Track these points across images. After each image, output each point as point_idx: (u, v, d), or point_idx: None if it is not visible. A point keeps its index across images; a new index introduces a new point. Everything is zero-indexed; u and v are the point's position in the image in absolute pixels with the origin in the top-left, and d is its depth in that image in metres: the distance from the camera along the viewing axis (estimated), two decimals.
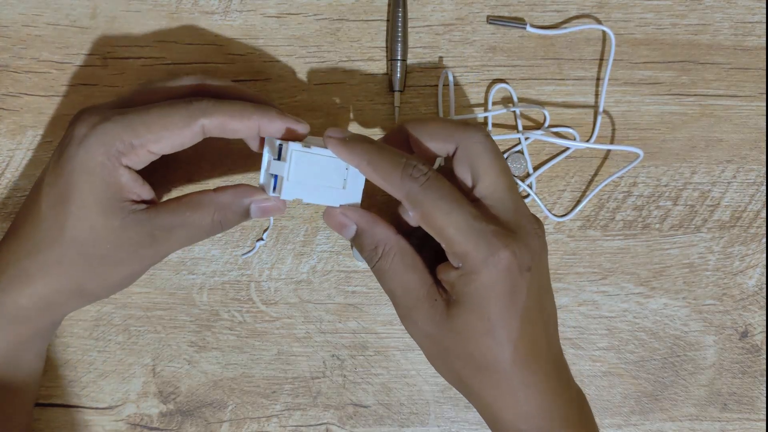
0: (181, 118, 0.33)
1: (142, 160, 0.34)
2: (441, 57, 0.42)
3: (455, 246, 0.33)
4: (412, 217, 0.35)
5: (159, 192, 0.39)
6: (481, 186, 0.34)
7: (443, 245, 0.33)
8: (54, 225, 0.34)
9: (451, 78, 0.40)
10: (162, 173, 0.41)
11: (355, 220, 0.36)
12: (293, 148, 0.33)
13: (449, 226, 0.32)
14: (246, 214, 0.36)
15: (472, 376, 0.34)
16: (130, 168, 0.34)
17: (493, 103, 0.42)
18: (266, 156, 0.35)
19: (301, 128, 0.35)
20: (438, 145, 0.35)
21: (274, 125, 0.34)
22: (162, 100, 0.35)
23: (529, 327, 0.33)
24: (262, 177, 0.35)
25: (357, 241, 0.36)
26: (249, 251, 0.42)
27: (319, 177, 0.35)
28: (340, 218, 0.36)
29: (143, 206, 0.34)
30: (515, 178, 0.41)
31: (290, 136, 0.35)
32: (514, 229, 0.33)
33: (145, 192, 0.35)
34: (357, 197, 0.36)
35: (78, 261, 0.34)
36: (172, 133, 0.33)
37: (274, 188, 0.35)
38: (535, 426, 0.34)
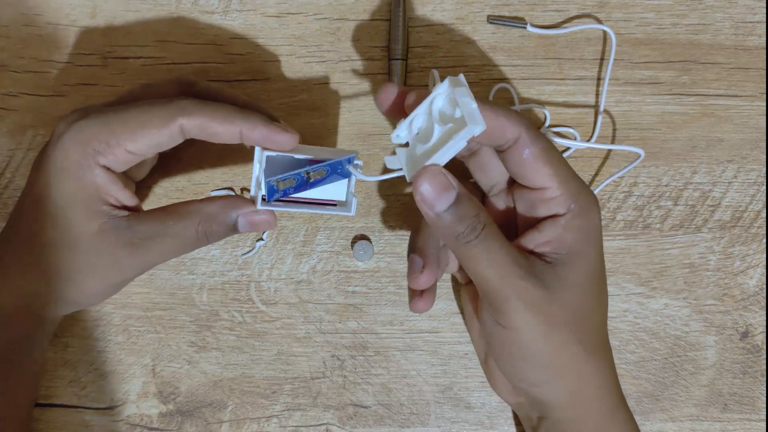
0: (159, 117, 0.32)
1: (121, 160, 0.33)
2: (441, 57, 0.42)
3: (569, 184, 0.33)
4: (527, 156, 0.32)
5: (154, 194, 0.38)
6: None
7: (552, 186, 0.32)
8: (34, 225, 0.34)
9: (437, 77, 0.39)
10: (161, 174, 0.41)
11: (458, 186, 0.31)
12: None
13: (562, 165, 0.33)
14: (234, 228, 0.34)
15: (579, 341, 0.33)
16: (108, 169, 0.33)
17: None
18: (256, 168, 0.33)
19: (288, 139, 0.33)
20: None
21: (256, 132, 0.32)
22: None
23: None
24: (252, 189, 0.34)
25: (454, 211, 0.30)
26: (249, 251, 0.42)
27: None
28: (441, 179, 0.30)
29: (124, 213, 0.33)
30: None
31: (276, 147, 0.33)
32: None
33: (126, 197, 0.34)
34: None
35: (55, 265, 0.33)
36: (150, 132, 0.32)
37: (266, 199, 0.33)
38: (617, 386, 0.36)
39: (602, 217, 0.42)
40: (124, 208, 0.34)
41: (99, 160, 0.32)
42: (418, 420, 0.42)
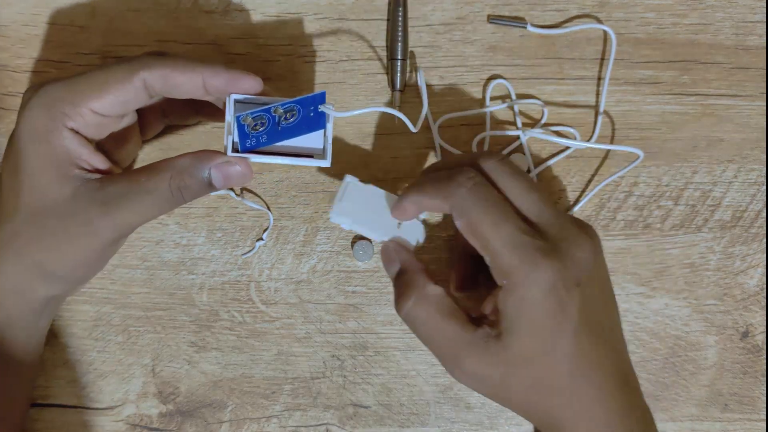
0: (121, 72, 0.32)
1: (89, 122, 0.33)
2: (441, 57, 0.42)
3: (500, 259, 0.31)
4: (459, 227, 0.33)
5: None
6: (514, 206, 0.33)
7: (487, 259, 0.32)
8: (11, 196, 0.34)
9: (422, 76, 0.39)
10: None
11: (401, 261, 0.35)
12: (348, 180, 0.35)
13: (495, 238, 0.31)
14: (209, 184, 0.34)
15: (538, 401, 0.33)
16: (77, 132, 0.33)
17: (493, 100, 0.42)
18: (228, 114, 0.33)
19: (252, 82, 0.33)
20: None
21: (219, 78, 0.33)
22: None
23: (586, 342, 0.32)
24: (225, 139, 0.34)
25: (396, 282, 0.35)
26: (249, 251, 0.42)
27: (371, 211, 0.36)
28: (390, 254, 0.35)
29: (97, 175, 0.33)
30: None
31: (241, 92, 0.33)
32: (560, 243, 0.32)
33: (99, 161, 0.34)
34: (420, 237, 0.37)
35: (33, 233, 0.33)
36: (113, 88, 0.32)
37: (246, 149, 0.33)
38: None
39: (603, 218, 0.42)
40: (98, 171, 0.34)
41: (66, 122, 0.32)
42: (418, 420, 0.42)
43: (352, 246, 0.42)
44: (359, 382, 0.42)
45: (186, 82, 0.33)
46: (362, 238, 0.42)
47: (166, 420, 0.42)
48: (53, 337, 0.41)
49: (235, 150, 0.34)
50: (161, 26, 0.41)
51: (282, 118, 0.33)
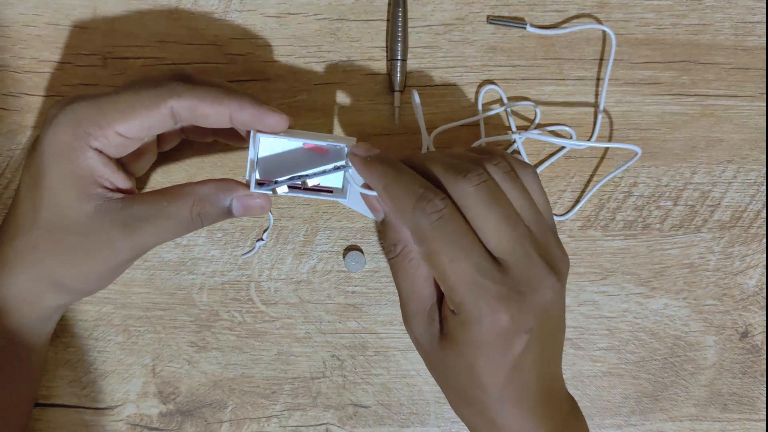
0: (149, 98, 0.32)
1: (113, 143, 0.33)
2: (441, 57, 0.42)
3: (454, 295, 0.31)
4: (420, 253, 0.32)
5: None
6: (483, 239, 0.31)
7: (442, 288, 0.32)
8: (30, 209, 0.34)
9: (417, 99, 0.39)
10: (163, 177, 0.41)
11: (386, 210, 0.34)
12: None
13: (452, 273, 0.30)
14: (228, 212, 0.34)
15: (456, 401, 0.34)
16: (101, 152, 0.33)
17: (491, 104, 0.42)
18: (251, 151, 0.34)
19: (278, 120, 0.33)
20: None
21: (245, 113, 0.33)
22: None
23: (517, 374, 0.32)
24: (247, 172, 0.34)
25: (381, 228, 0.35)
26: (249, 251, 0.42)
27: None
28: (372, 201, 0.34)
29: (118, 195, 0.34)
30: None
31: (266, 129, 0.33)
32: (524, 286, 0.30)
33: (120, 180, 0.34)
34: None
35: (51, 248, 0.33)
36: (140, 113, 0.32)
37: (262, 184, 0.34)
38: None
39: (602, 218, 0.42)
40: (119, 191, 0.34)
41: (91, 142, 0.33)
42: (418, 420, 0.42)
43: (344, 257, 0.42)
44: (359, 382, 0.42)
45: (213, 114, 0.33)
46: (352, 248, 0.42)
47: (166, 420, 0.42)
48: (55, 337, 0.41)
49: (257, 182, 0.34)
50: (162, 27, 0.41)
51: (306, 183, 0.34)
